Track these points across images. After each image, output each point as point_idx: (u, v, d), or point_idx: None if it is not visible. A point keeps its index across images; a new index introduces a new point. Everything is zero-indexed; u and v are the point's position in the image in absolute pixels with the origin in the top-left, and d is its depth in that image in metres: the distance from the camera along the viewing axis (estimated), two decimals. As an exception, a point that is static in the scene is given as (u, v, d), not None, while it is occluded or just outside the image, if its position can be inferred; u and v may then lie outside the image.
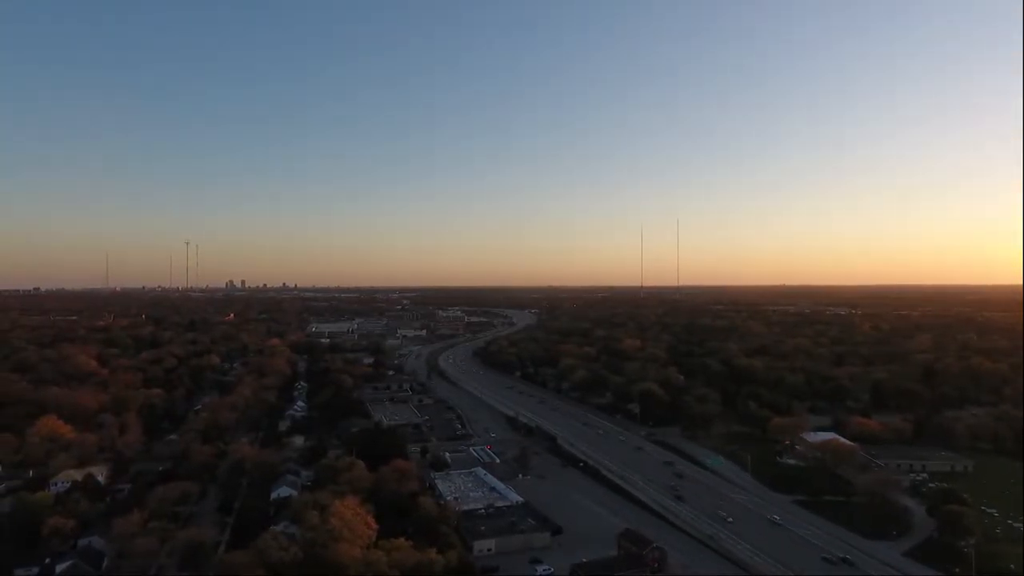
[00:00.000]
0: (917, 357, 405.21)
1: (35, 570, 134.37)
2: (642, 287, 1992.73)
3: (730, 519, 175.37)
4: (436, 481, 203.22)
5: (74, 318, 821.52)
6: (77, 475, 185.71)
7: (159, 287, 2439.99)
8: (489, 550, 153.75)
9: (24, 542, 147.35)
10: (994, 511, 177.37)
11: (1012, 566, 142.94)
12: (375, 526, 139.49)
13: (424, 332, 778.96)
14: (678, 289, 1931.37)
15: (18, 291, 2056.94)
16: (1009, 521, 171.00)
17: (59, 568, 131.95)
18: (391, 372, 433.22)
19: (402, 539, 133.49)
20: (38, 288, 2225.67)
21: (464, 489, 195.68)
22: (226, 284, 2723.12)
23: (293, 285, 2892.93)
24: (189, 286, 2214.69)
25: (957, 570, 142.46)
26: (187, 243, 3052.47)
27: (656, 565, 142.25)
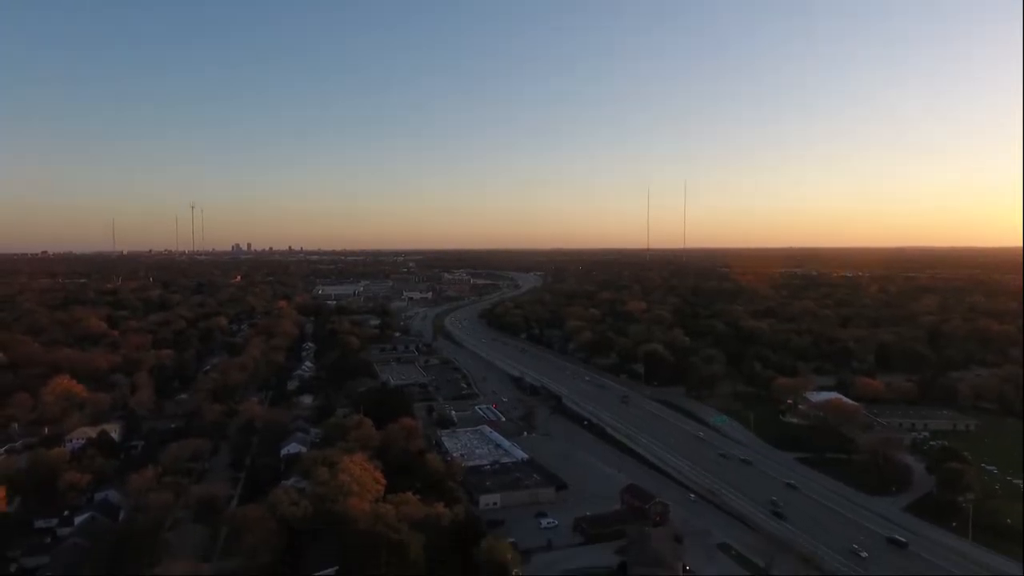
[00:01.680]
0: (923, 319, 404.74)
1: (54, 522, 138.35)
2: (648, 249, 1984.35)
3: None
4: (442, 439, 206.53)
5: (83, 281, 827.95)
6: (91, 432, 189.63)
7: (165, 250, 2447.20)
8: (495, 504, 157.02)
9: (42, 496, 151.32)
10: (994, 468, 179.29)
11: (1009, 521, 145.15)
12: (383, 481, 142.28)
13: (430, 294, 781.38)
14: (685, 251, 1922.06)
15: (26, 254, 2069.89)
16: (1009, 478, 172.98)
17: (77, 520, 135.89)
18: (397, 333, 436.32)
19: (410, 494, 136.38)
20: (46, 251, 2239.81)
21: (470, 446, 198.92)
22: (232, 247, 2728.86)
23: (299, 248, 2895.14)
24: (195, 249, 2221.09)
25: (954, 524, 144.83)
26: (192, 206, 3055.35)
27: (659, 519, 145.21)
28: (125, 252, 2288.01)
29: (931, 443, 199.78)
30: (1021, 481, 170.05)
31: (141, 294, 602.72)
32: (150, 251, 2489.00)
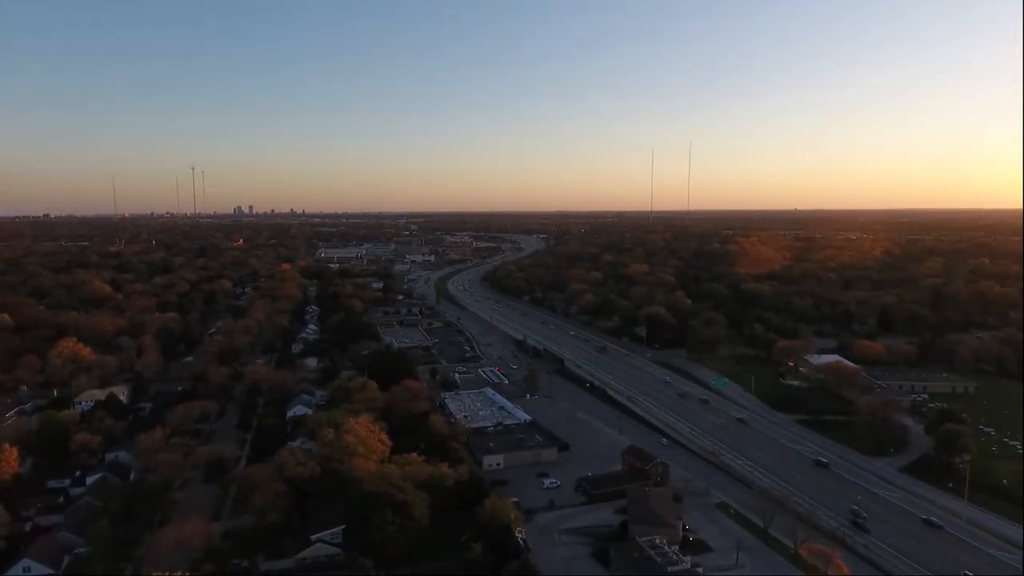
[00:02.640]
0: (926, 281, 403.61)
1: (67, 482, 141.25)
2: (651, 211, 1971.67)
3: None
4: (446, 401, 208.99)
5: (86, 244, 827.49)
6: (100, 394, 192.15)
7: (168, 213, 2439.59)
8: (498, 465, 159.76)
9: (54, 457, 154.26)
10: (992, 430, 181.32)
11: (1005, 481, 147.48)
12: (388, 443, 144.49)
13: (432, 257, 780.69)
14: (688, 213, 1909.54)
15: (27, 217, 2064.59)
16: (1006, 440, 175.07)
17: (89, 480, 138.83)
18: (400, 296, 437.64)
19: (414, 455, 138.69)
20: (47, 214, 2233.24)
21: (473, 408, 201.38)
22: (234, 210, 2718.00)
23: (301, 210, 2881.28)
24: (197, 212, 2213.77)
25: (950, 485, 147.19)
26: (193, 168, 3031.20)
27: (659, 479, 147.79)
28: (126, 215, 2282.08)
29: (930, 405, 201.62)
30: (1018, 442, 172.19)
31: (144, 257, 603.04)
32: (151, 214, 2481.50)
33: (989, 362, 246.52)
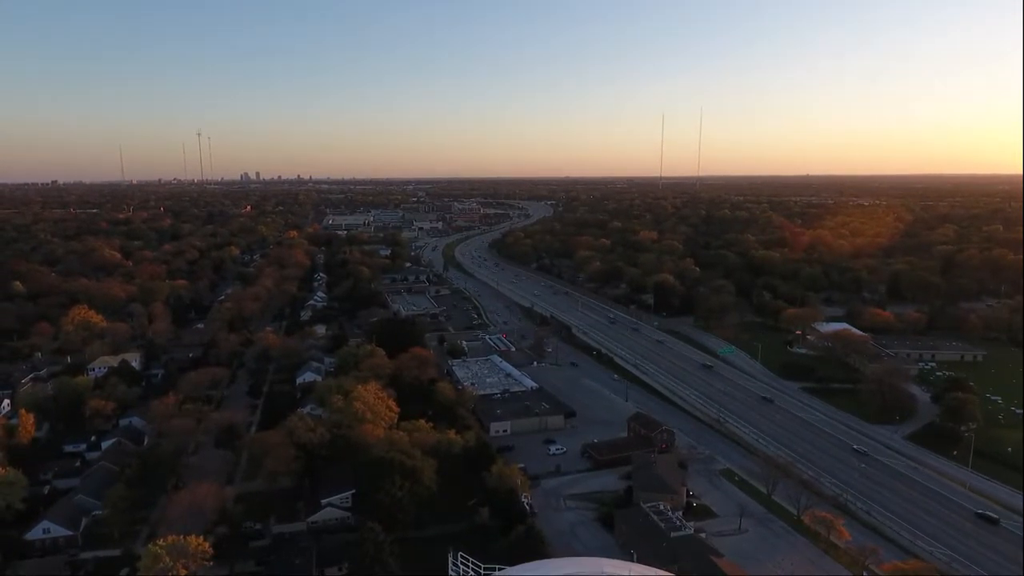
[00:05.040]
0: (938, 249, 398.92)
1: (82, 447, 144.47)
2: (662, 177, 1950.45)
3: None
4: (453, 368, 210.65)
5: (95, 211, 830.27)
6: (113, 361, 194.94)
7: (174, 179, 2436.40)
8: (505, 431, 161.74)
9: (69, 422, 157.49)
10: (998, 399, 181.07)
11: (1009, 449, 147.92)
12: (396, 409, 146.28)
13: (440, 224, 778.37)
14: (699, 179, 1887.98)
15: (36, 184, 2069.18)
16: (1012, 408, 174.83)
17: (104, 445, 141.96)
18: (408, 264, 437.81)
19: (422, 421, 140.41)
20: (55, 181, 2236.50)
21: (481, 375, 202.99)
22: (240, 176, 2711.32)
23: (308, 176, 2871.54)
24: (204, 178, 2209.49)
25: (955, 453, 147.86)
26: (199, 134, 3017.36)
27: (664, 446, 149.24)
28: (134, 181, 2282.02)
29: (937, 374, 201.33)
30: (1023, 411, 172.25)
31: (153, 224, 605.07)
32: (159, 180, 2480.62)
33: (999, 330, 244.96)
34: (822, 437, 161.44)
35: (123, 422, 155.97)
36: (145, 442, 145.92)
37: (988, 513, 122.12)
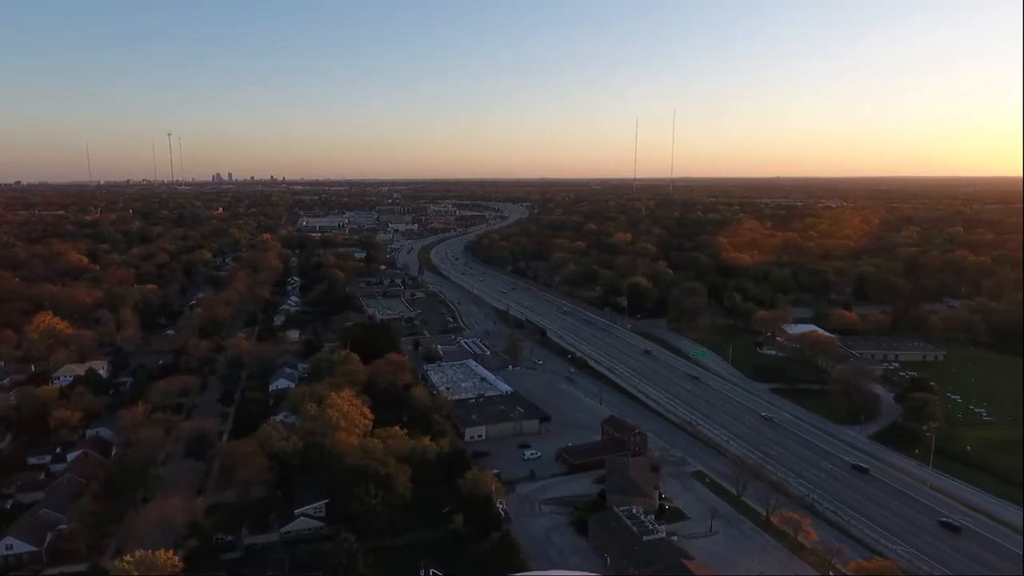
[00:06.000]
0: (902, 251, 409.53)
1: (47, 459, 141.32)
2: (636, 179, 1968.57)
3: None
4: (429, 372, 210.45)
5: (60, 213, 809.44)
6: (79, 369, 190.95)
7: (144, 180, 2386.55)
8: (480, 437, 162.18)
9: (34, 433, 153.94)
10: (958, 397, 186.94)
11: (968, 448, 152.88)
12: (371, 416, 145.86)
13: (416, 226, 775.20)
14: (672, 181, 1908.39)
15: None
16: (971, 407, 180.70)
17: (70, 457, 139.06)
18: (383, 266, 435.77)
19: (397, 428, 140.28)
20: (19, 181, 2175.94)
21: (456, 380, 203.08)
22: (212, 177, 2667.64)
23: (281, 178, 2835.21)
24: (175, 179, 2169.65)
25: (917, 452, 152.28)
26: (169, 134, 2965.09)
27: (637, 450, 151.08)
28: (101, 182, 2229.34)
29: (901, 374, 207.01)
30: (983, 410, 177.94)
31: (121, 226, 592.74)
32: (128, 181, 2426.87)
33: (959, 330, 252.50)
34: (789, 438, 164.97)
35: (90, 433, 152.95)
36: (113, 453, 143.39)
37: (951, 521, 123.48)
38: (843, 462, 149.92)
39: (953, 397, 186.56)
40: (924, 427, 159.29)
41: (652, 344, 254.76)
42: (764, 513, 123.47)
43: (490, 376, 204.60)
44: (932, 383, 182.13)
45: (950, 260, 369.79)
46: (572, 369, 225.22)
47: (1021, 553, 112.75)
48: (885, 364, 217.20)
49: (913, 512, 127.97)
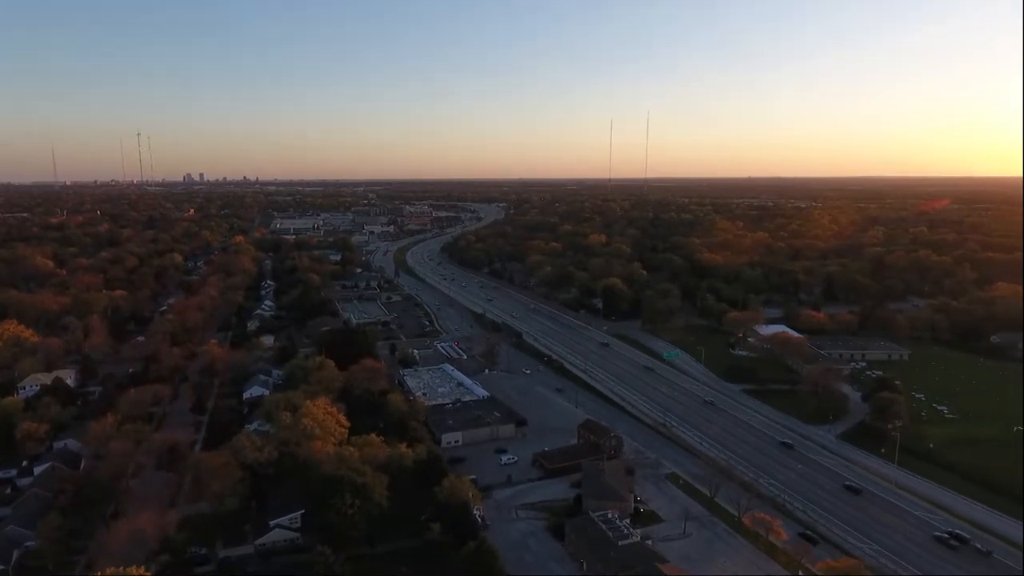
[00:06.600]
0: (869, 251, 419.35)
1: (13, 473, 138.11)
2: (611, 179, 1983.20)
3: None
4: (405, 378, 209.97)
5: (25, 215, 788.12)
6: (45, 379, 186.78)
7: (112, 181, 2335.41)
8: (456, 442, 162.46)
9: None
10: (922, 396, 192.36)
11: (931, 445, 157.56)
12: (347, 424, 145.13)
13: (391, 228, 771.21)
14: (646, 181, 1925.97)
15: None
16: (935, 405, 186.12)
17: (37, 470, 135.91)
18: (359, 269, 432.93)
19: (373, 435, 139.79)
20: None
21: (432, 385, 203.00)
22: (183, 177, 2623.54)
23: (255, 178, 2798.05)
24: (144, 179, 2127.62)
25: (883, 450, 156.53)
26: (139, 134, 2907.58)
27: (613, 452, 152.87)
28: (68, 183, 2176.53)
29: (867, 373, 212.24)
30: (945, 408, 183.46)
31: (89, 229, 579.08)
32: (95, 181, 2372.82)
33: (922, 330, 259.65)
34: (761, 438, 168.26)
35: (57, 445, 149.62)
36: (82, 466, 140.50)
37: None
38: (813, 461, 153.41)
39: (917, 396, 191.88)
40: (890, 426, 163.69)
41: (627, 346, 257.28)
42: (736, 514, 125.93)
43: (467, 381, 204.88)
44: (897, 382, 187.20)
45: (914, 260, 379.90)
46: (541, 369, 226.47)
47: (986, 550, 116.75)
48: (853, 364, 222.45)
49: (880, 511, 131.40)
